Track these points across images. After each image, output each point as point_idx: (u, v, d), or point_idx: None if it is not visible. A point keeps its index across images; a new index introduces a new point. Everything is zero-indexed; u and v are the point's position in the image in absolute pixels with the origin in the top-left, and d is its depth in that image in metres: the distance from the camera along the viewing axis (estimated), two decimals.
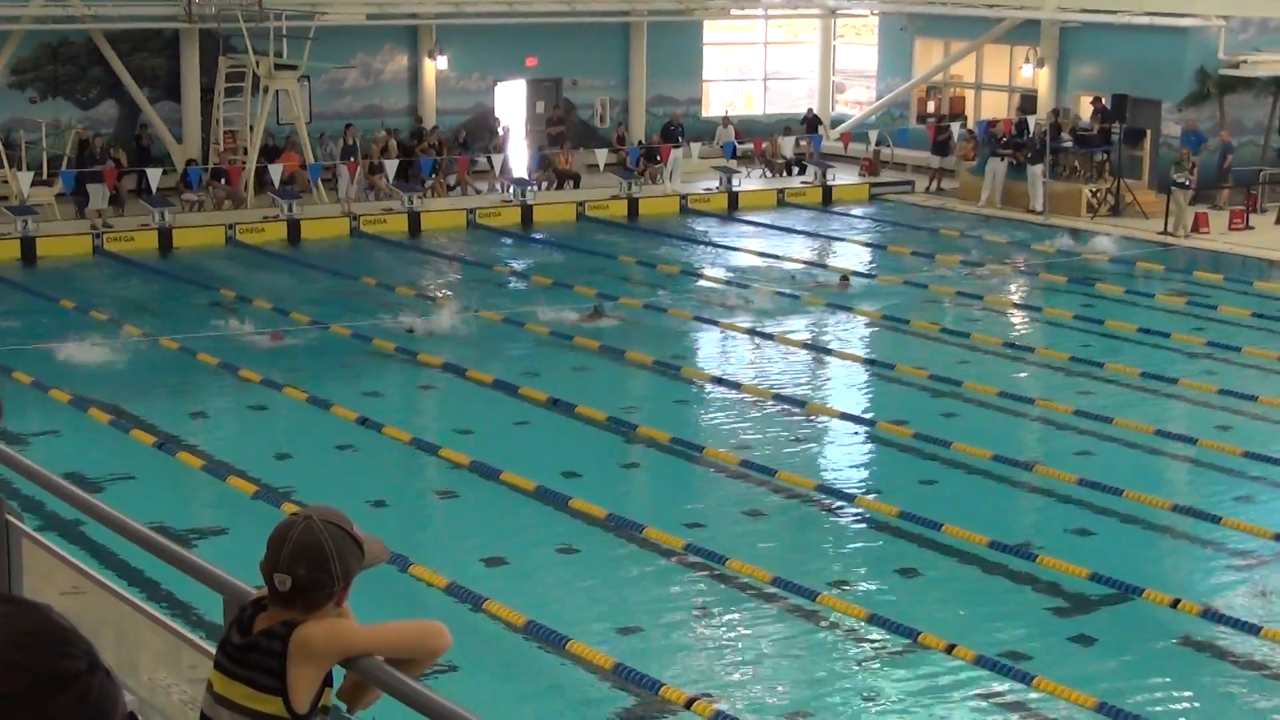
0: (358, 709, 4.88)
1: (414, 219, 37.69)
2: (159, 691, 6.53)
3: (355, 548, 4.72)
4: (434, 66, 43.27)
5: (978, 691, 14.08)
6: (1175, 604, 15.65)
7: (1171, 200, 37.17)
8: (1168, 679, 14.46)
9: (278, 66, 38.10)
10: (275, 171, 37.39)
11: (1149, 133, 41.20)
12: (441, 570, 16.29)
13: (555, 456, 20.68)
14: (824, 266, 34.29)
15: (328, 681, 4.73)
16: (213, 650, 4.95)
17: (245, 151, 38.66)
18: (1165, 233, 36.70)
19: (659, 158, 43.08)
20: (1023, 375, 24.74)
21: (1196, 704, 13.99)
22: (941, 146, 43.94)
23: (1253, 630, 15.19)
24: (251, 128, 38.60)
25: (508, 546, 17.60)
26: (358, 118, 42.10)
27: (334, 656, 4.67)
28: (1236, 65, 40.26)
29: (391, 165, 39.12)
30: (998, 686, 14.08)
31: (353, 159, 39.21)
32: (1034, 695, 13.80)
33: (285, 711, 4.63)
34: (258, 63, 37.88)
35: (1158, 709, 13.60)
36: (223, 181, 37.89)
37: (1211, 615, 15.55)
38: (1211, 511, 18.46)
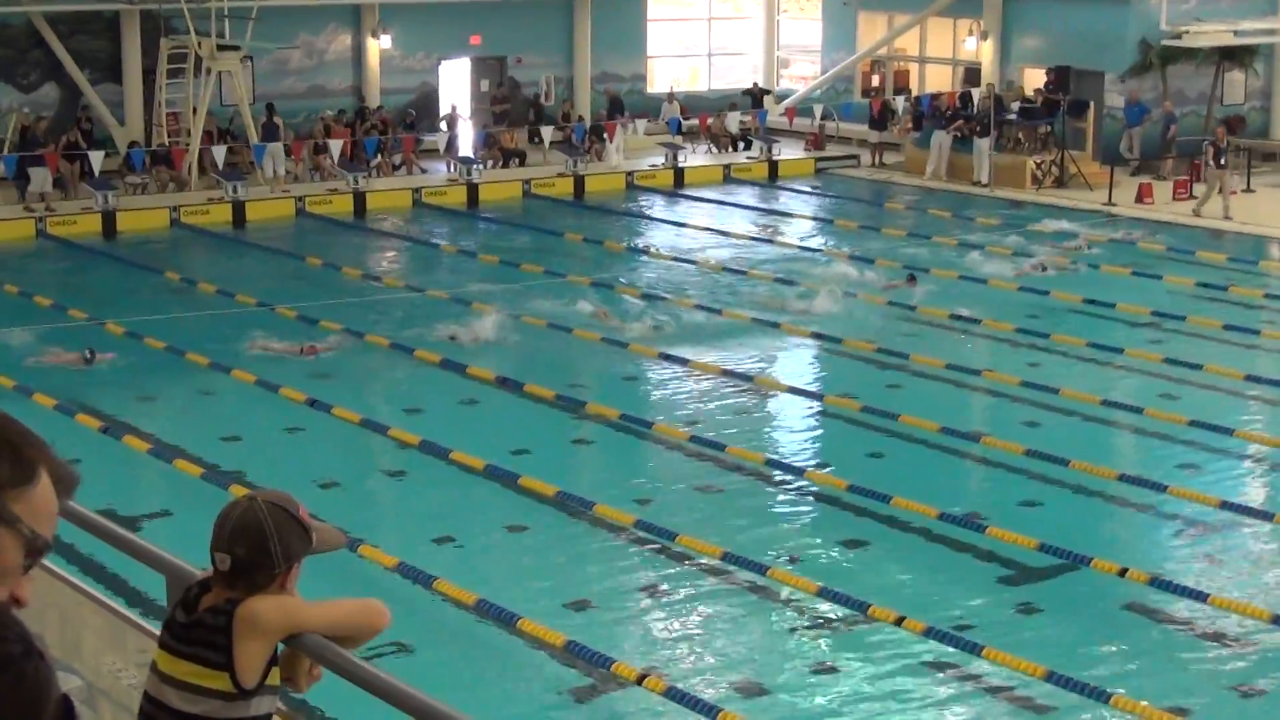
0: (302, 687, 4.87)
1: (359, 199, 37.56)
2: (107, 675, 6.50)
3: (300, 530, 4.70)
4: (378, 46, 43.08)
5: (928, 662, 14.13)
6: (1123, 572, 15.73)
7: (1205, 178, 36.86)
8: (1116, 647, 14.53)
9: (220, 47, 37.88)
10: (219, 153, 37.20)
11: (1092, 104, 41.35)
12: (391, 550, 16.28)
13: (504, 435, 20.67)
14: (770, 241, 34.32)
15: (274, 660, 4.72)
16: (158, 633, 4.93)
17: (189, 133, 38.43)
18: (1196, 213, 36.00)
19: (605, 135, 43.04)
20: (969, 347, 24.80)
21: (1145, 671, 14.06)
22: (880, 122, 43.99)
23: (1200, 597, 15.28)
24: (195, 110, 38.36)
25: (458, 525, 17.59)
26: (302, 98, 41.95)
27: (280, 632, 4.66)
28: (1178, 36, 40.42)
29: (336, 145, 38.94)
30: (948, 657, 14.13)
31: (296, 139, 39.09)
32: (983, 665, 13.86)
33: (233, 687, 4.62)
34: (200, 44, 37.66)
35: (1106, 677, 13.66)
36: (167, 164, 37.69)
37: (1159, 583, 15.63)
38: (1158, 480, 18.55)
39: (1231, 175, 35.83)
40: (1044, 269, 29.92)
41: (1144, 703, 13.04)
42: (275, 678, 4.74)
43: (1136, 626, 15.03)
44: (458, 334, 25.07)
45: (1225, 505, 17.75)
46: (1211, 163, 36.03)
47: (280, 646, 4.72)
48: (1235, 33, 40.85)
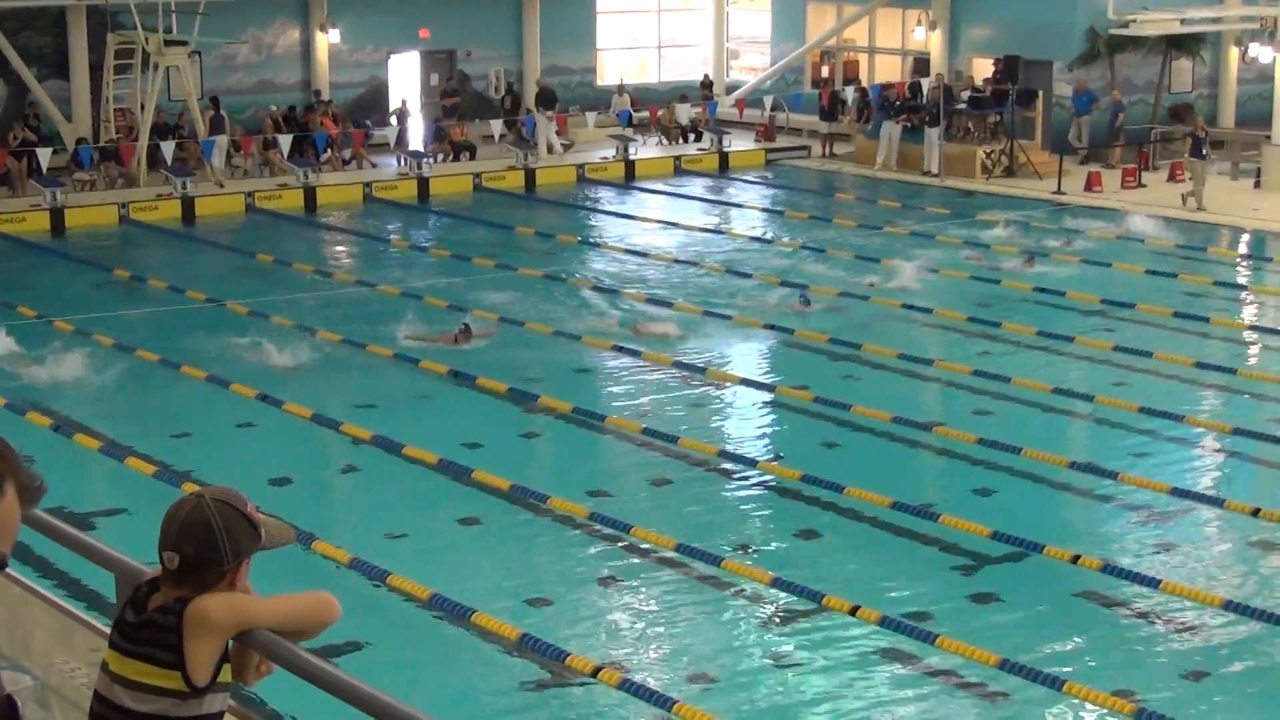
0: (251, 680, 4.86)
1: (310, 194, 37.44)
2: (58, 674, 6.47)
3: (248, 527, 4.69)
4: (326, 40, 42.95)
5: (882, 651, 14.16)
6: (1075, 560, 15.79)
7: (1187, 170, 36.49)
8: (1069, 634, 14.59)
9: (168, 43, 37.72)
10: (168, 149, 37.04)
11: (1041, 93, 41.49)
12: (345, 546, 16.24)
13: (457, 429, 20.64)
14: (721, 233, 34.37)
15: (226, 656, 4.70)
16: (109, 631, 4.91)
17: (137, 129, 38.25)
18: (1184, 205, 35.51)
19: (556, 128, 43.00)
20: (921, 336, 24.84)
21: (1098, 658, 14.12)
22: (829, 112, 44.07)
23: (1152, 583, 15.36)
24: (143, 105, 38.18)
25: (411, 520, 17.56)
26: (250, 93, 41.83)
27: (230, 629, 4.65)
28: (1126, 25, 40.57)
29: (285, 140, 38.82)
30: (902, 646, 14.17)
31: (245, 135, 38.98)
32: (937, 654, 13.90)
33: (185, 685, 4.60)
34: (147, 39, 37.50)
35: (1060, 664, 13.71)
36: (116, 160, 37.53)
37: (1111, 570, 15.70)
38: (1110, 467, 18.64)
39: (1207, 166, 35.60)
40: (1031, 261, 29.61)
41: (1096, 689, 13.09)
42: (227, 675, 4.73)
43: (1089, 613, 15.09)
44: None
45: (1176, 491, 17.84)
46: (1190, 154, 35.77)
47: (231, 643, 4.71)
48: (1182, 21, 41.03)
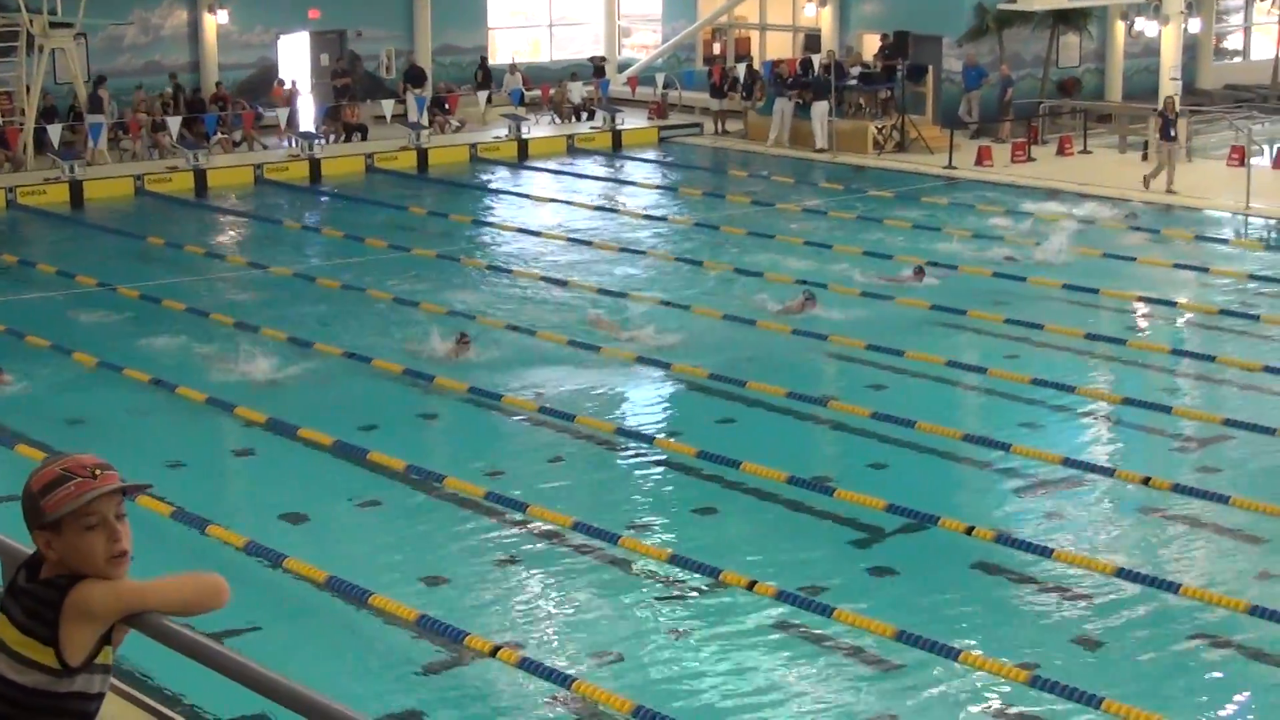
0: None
1: (200, 176, 37.12)
2: None
3: (33, 506, 4.66)
4: (214, 20, 42.58)
5: (780, 625, 14.22)
6: (969, 531, 15.93)
7: (1158, 152, 35.62)
8: (965, 605, 14.70)
9: (52, 24, 37.29)
10: (54, 132, 36.63)
11: (931, 69, 41.74)
12: (240, 529, 16.14)
13: (352, 410, 20.55)
14: (615, 210, 34.38)
15: (107, 639, 4.67)
16: None
17: (23, 112, 37.80)
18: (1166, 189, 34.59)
19: (448, 107, 42.90)
20: (816, 312, 24.92)
21: (993, 627, 14.24)
22: (721, 90, 44.14)
23: (1045, 553, 15.50)
24: (28, 88, 37.72)
25: (307, 502, 17.46)
26: (138, 75, 41.39)
27: (112, 616, 4.62)
28: (1013, 0, 40.88)
29: (174, 122, 38.48)
30: (799, 620, 14.23)
31: (133, 116, 38.61)
32: (835, 626, 13.97)
33: (56, 663, 4.58)
34: (31, 21, 37.04)
35: (956, 634, 13.82)
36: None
37: (1005, 540, 15.84)
38: (1002, 439, 18.81)
39: (1178, 148, 35.23)
40: (921, 274, 29.11)
41: (991, 658, 13.21)
42: (107, 657, 4.70)
43: (984, 583, 15.22)
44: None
45: (1068, 461, 18.01)
46: (1158, 135, 35.35)
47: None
48: None
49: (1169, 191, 33.99)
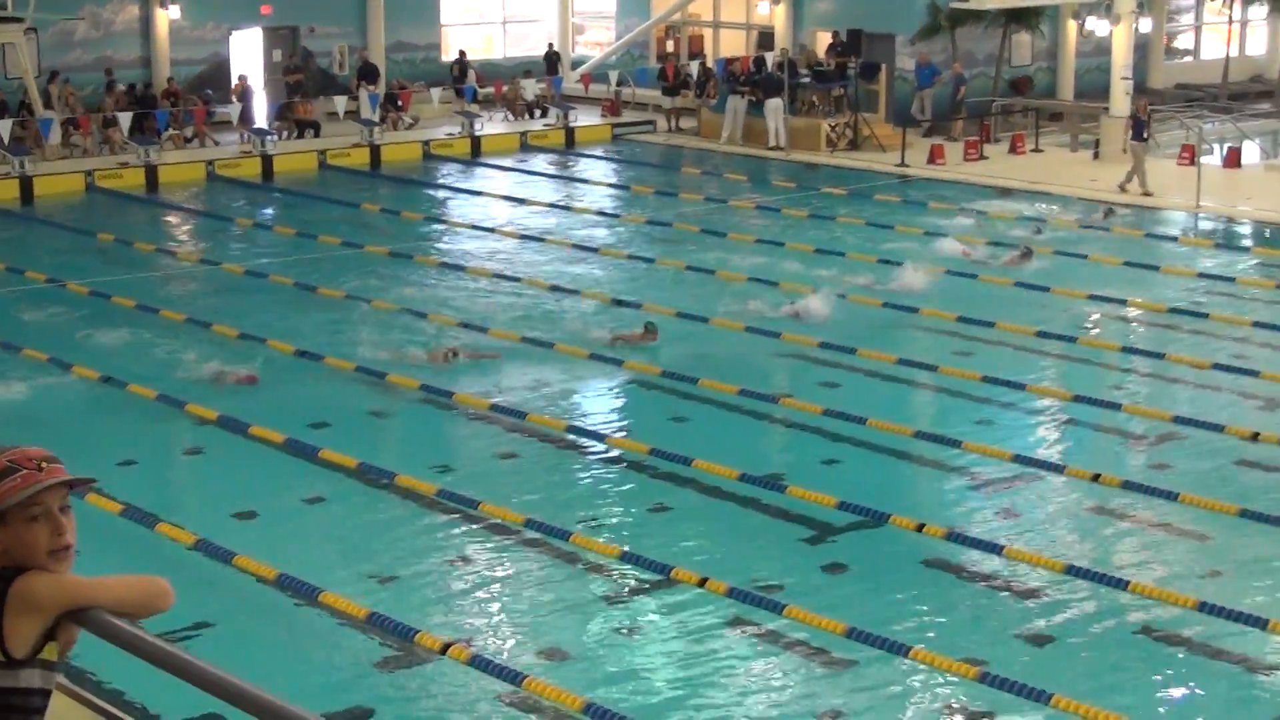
0: (60, 653, 4.80)
1: (151, 172, 36.96)
2: None
3: None
4: (166, 16, 42.40)
5: (731, 622, 14.24)
6: (920, 528, 15.98)
7: (1127, 152, 35.30)
8: (915, 602, 14.74)
9: (2, 19, 37.08)
10: (4, 127, 36.43)
11: (884, 67, 41.83)
12: (190, 527, 16.10)
13: (304, 408, 20.50)
14: (568, 208, 34.37)
15: (52, 635, 4.65)
16: None
17: None
18: (1139, 190, 34.12)
19: (401, 104, 42.83)
20: (768, 310, 24.96)
21: (944, 624, 14.28)
22: (674, 87, 44.16)
23: (995, 550, 15.56)
24: None
25: (258, 500, 17.41)
26: (89, 70, 41.17)
27: (54, 609, 4.60)
28: None
29: (126, 118, 38.31)
30: (751, 617, 14.25)
31: (86, 111, 38.44)
32: (786, 623, 14.00)
33: (0, 655, 4.56)
34: None
35: (906, 631, 13.86)
36: None
37: (956, 537, 15.90)
38: (953, 436, 18.87)
39: (1148, 149, 34.97)
40: (1028, 254, 28.48)
41: (942, 655, 13.26)
42: (52, 653, 4.68)
43: (934, 580, 15.26)
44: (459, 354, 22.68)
45: (1018, 458, 18.09)
46: (1129, 137, 35.08)
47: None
48: None
49: (1144, 194, 33.89)
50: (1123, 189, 34.18)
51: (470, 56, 47.05)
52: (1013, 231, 30.68)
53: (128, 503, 16.46)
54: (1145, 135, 34.51)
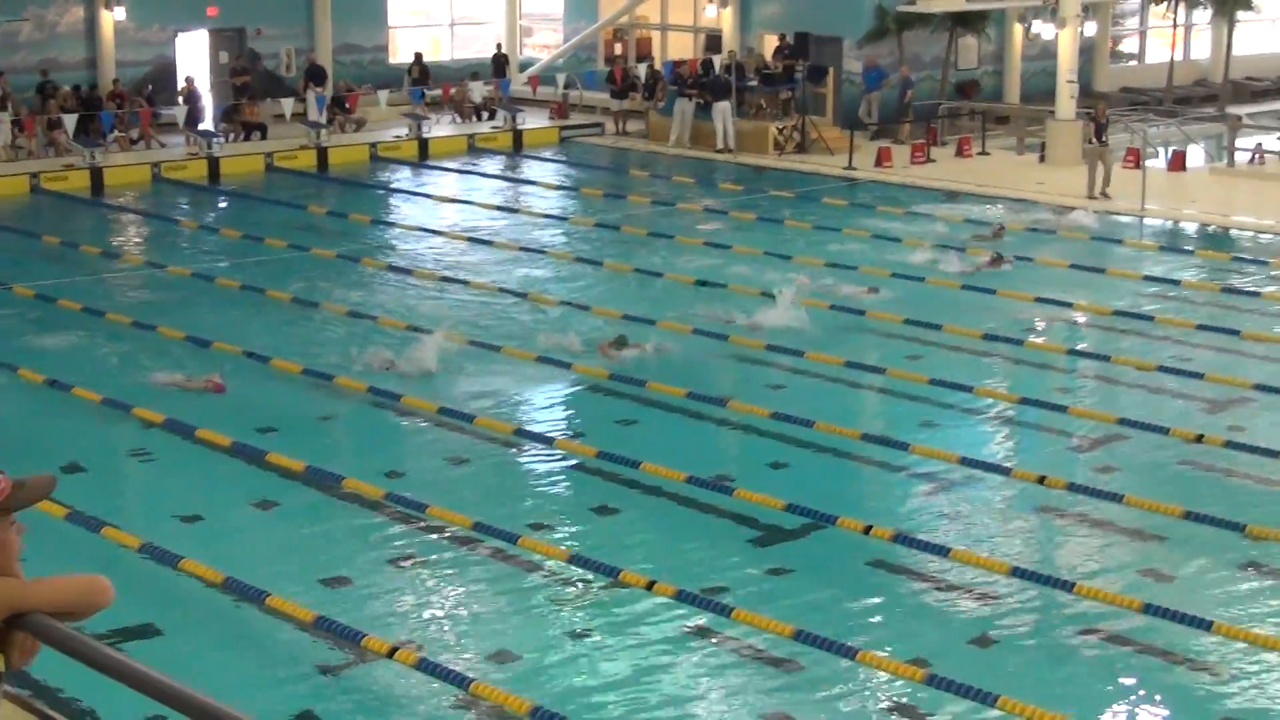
0: (17, 664, 4.79)
1: (96, 175, 36.78)
2: None
3: None
4: (111, 17, 42.19)
5: (679, 626, 14.26)
6: (868, 530, 16.02)
7: (1085, 156, 35.17)
8: (863, 603, 14.78)
9: None
10: None
11: (831, 70, 41.93)
12: (137, 531, 16.03)
13: (251, 411, 20.43)
14: (516, 210, 34.36)
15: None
16: None
17: None
18: (1093, 196, 34.19)
19: (348, 106, 42.73)
20: (716, 312, 24.99)
21: (891, 626, 14.33)
22: (619, 90, 44.18)
23: (942, 552, 15.62)
24: None
25: (205, 504, 17.35)
26: (34, 72, 40.91)
27: None
28: (913, 1, 41.16)
29: (71, 120, 38.12)
30: (698, 620, 14.27)
31: (30, 113, 38.24)
32: (734, 626, 14.02)
33: None
34: None
35: (854, 633, 13.90)
36: None
37: (903, 539, 15.95)
38: (900, 438, 18.93)
39: (1111, 152, 34.87)
40: (998, 259, 28.53)
41: (889, 657, 13.31)
42: None
43: (881, 582, 15.31)
44: (395, 364, 22.27)
45: (964, 461, 18.16)
46: (1093, 140, 34.86)
47: None
48: None
49: (1104, 196, 33.95)
50: (1097, 196, 34.28)
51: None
52: (968, 236, 30.73)
53: (73, 507, 16.37)
54: (1105, 139, 34.53)
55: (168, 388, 21.30)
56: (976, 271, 27.71)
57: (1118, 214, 33.31)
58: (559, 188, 37.82)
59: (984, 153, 39.95)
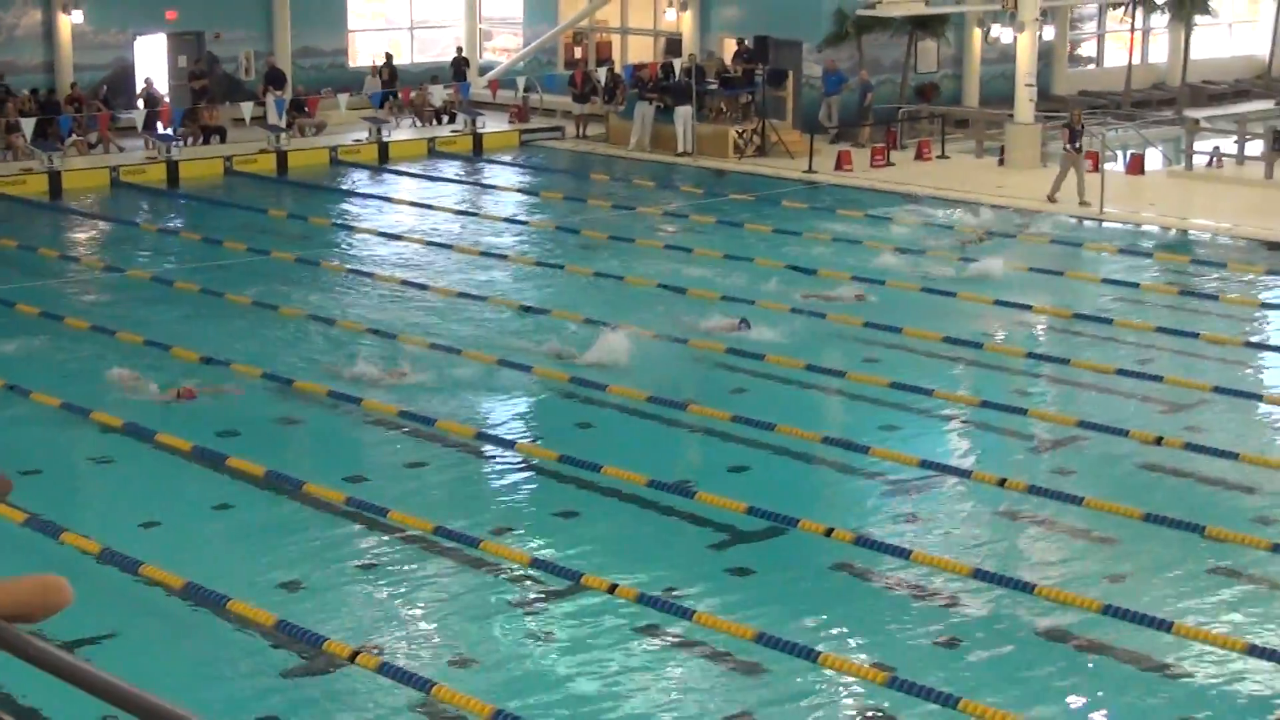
0: None
1: (55, 179, 36.62)
2: None
3: None
4: (69, 21, 42.01)
5: (640, 628, 14.24)
6: (829, 533, 16.04)
7: (1063, 163, 34.70)
8: (824, 607, 14.79)
9: None
10: None
11: (791, 73, 41.98)
12: (96, 536, 15.95)
13: (211, 416, 20.36)
14: (475, 214, 34.33)
15: None
16: None
17: None
18: (1078, 201, 33.74)
19: (307, 109, 42.62)
20: (678, 314, 24.99)
21: (853, 629, 14.34)
22: (580, 94, 44.17)
23: (903, 554, 15.64)
24: None
25: (164, 509, 17.29)
26: None
27: None
28: (873, 5, 41.19)
29: (29, 123, 37.95)
30: (660, 623, 14.27)
31: None
32: (696, 629, 14.02)
33: None
34: None
35: (815, 636, 13.91)
36: None
37: (864, 542, 15.96)
38: (861, 441, 18.95)
39: (1085, 157, 34.68)
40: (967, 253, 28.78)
41: (851, 660, 13.32)
42: None
43: (843, 585, 15.32)
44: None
45: (925, 464, 18.20)
46: (1068, 145, 34.52)
47: None
48: (927, 2, 41.77)
49: (1083, 204, 34.07)
50: (1057, 200, 34.36)
51: (379, 63, 46.88)
52: (948, 241, 30.81)
53: (31, 512, 16.30)
54: (1079, 145, 34.50)
55: (137, 397, 21.17)
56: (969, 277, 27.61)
57: (1076, 217, 33.40)
58: (519, 191, 37.79)
59: (944, 156, 40.06)
